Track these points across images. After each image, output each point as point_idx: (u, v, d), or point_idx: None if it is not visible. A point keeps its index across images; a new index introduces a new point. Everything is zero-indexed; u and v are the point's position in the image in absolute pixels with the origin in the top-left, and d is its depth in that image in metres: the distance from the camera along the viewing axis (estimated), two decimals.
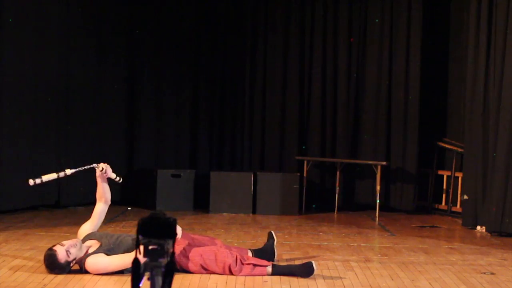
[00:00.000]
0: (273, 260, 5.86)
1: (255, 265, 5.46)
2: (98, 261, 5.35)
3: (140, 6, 10.08)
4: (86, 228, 5.67)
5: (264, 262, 5.53)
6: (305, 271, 5.44)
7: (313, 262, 5.49)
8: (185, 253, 5.48)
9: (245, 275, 5.42)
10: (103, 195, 5.75)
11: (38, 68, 8.82)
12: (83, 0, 9.47)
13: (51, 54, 8.98)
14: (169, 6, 10.13)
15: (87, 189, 9.43)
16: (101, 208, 5.75)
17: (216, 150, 10.39)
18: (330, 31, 10.21)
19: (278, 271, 5.48)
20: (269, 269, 5.47)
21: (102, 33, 9.66)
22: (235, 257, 5.45)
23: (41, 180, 5.46)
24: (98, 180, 5.73)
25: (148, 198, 9.39)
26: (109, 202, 5.79)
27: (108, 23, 9.74)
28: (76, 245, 5.35)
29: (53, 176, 5.51)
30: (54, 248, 5.33)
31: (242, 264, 5.45)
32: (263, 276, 5.44)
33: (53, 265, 5.30)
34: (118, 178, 5.75)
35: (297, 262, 5.92)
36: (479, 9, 8.25)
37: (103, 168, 5.65)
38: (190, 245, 5.56)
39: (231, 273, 5.43)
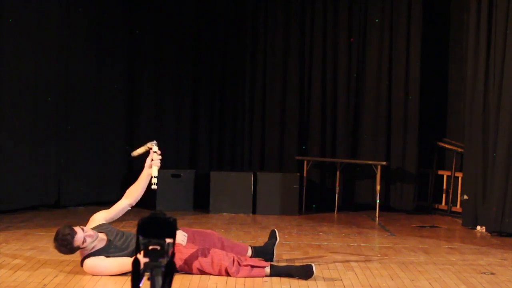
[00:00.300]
0: (271, 261, 5.84)
1: (253, 266, 5.42)
2: (96, 265, 5.31)
3: (140, 6, 10.08)
4: (101, 217, 5.54)
5: (262, 263, 5.49)
6: (304, 273, 5.40)
7: (313, 265, 5.45)
8: (181, 256, 5.43)
9: (243, 277, 5.40)
10: (135, 192, 5.59)
11: (38, 68, 8.83)
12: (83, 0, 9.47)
13: (51, 54, 8.98)
14: (169, 6, 10.13)
15: (87, 189, 9.46)
16: (123, 205, 5.60)
17: (216, 150, 10.38)
18: (330, 31, 10.21)
19: (276, 272, 5.45)
20: (267, 270, 5.44)
21: (102, 33, 9.66)
22: (232, 259, 5.40)
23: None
24: (145, 169, 5.58)
25: (148, 198, 9.36)
26: (133, 205, 5.64)
27: (108, 23, 9.74)
28: (93, 237, 5.28)
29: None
30: (75, 228, 5.23)
31: (240, 265, 5.40)
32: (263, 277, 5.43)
33: (65, 242, 5.19)
34: (155, 182, 5.53)
35: (297, 262, 5.92)
36: (479, 9, 8.25)
37: (155, 152, 5.54)
38: (189, 248, 5.50)
39: (228, 275, 5.40)
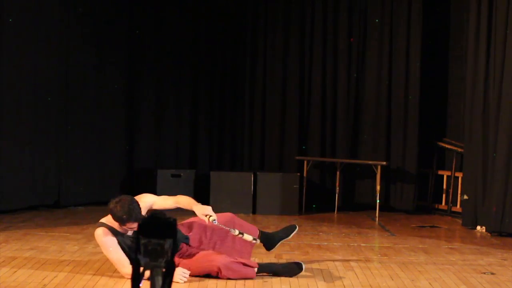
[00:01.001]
0: (270, 250, 5.77)
1: (245, 264, 5.38)
2: (106, 240, 5.18)
3: (140, 6, 10.08)
4: (148, 204, 5.35)
5: (253, 263, 5.46)
6: (290, 271, 5.40)
7: (303, 264, 5.43)
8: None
9: (235, 277, 5.33)
10: (180, 206, 5.53)
11: (38, 68, 8.82)
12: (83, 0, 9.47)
13: (51, 54, 8.98)
14: (169, 6, 10.14)
15: (87, 189, 9.46)
16: (169, 207, 5.45)
17: (216, 150, 10.39)
18: (330, 31, 10.21)
19: (263, 269, 5.44)
20: (256, 269, 5.42)
21: (102, 33, 9.65)
22: (226, 260, 5.34)
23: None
24: (198, 215, 5.48)
25: None
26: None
27: (108, 23, 9.74)
28: (129, 234, 5.19)
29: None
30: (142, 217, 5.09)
31: (233, 262, 5.34)
32: (263, 276, 5.41)
33: (126, 213, 5.02)
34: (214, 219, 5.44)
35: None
36: (479, 9, 8.25)
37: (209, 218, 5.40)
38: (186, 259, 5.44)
39: (220, 271, 5.32)
